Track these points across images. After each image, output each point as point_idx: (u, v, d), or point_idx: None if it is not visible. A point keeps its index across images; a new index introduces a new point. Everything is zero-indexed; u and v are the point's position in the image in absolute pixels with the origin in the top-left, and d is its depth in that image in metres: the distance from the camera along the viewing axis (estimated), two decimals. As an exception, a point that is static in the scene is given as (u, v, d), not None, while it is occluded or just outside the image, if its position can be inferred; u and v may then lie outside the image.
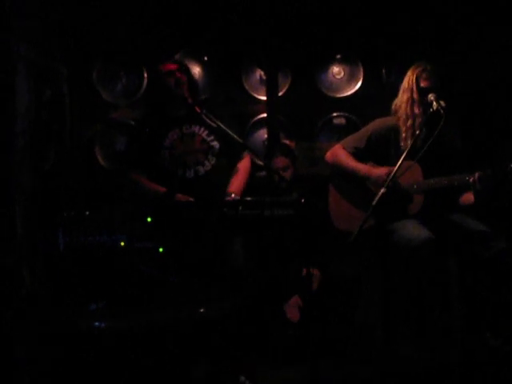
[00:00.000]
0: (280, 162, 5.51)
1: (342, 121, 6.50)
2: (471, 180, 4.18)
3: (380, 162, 4.46)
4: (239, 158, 4.73)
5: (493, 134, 5.75)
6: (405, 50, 6.10)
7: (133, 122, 6.03)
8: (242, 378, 4.10)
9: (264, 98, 6.30)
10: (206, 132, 4.60)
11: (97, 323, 3.56)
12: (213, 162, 4.57)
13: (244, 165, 4.74)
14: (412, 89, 4.44)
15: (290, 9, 6.01)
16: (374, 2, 6.07)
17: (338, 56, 6.54)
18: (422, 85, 4.40)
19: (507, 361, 4.25)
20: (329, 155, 4.66)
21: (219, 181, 4.58)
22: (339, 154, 4.59)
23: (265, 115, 6.31)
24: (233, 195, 4.44)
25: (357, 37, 6.29)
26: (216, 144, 4.60)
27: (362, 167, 4.48)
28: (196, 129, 4.60)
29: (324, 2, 6.06)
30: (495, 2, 5.71)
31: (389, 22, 6.13)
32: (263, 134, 6.38)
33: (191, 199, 4.30)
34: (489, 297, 4.30)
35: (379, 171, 4.34)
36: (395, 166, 3.95)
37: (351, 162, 4.52)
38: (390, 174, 4.01)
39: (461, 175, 4.24)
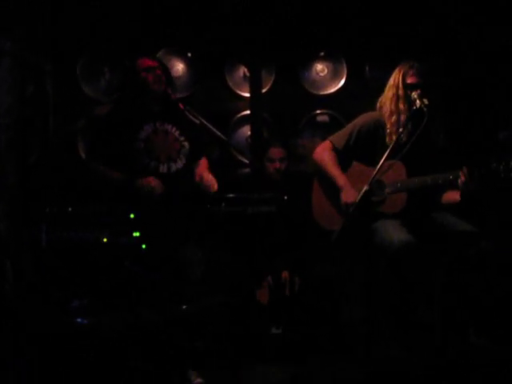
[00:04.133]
0: (277, 152, 5.46)
1: (326, 118, 6.51)
2: (453, 178, 4.20)
3: (367, 158, 4.45)
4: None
5: (481, 131, 5.79)
6: (389, 48, 6.11)
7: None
8: (190, 372, 4.10)
9: (247, 94, 6.28)
10: (177, 132, 4.63)
11: (79, 319, 3.55)
12: (184, 162, 4.60)
13: (204, 160, 4.78)
14: (398, 85, 4.45)
15: (273, 6, 6.00)
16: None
17: (322, 53, 6.55)
18: (408, 81, 4.41)
19: (491, 359, 4.27)
20: (316, 153, 4.64)
21: (188, 181, 4.60)
22: (326, 154, 4.58)
23: (248, 112, 6.30)
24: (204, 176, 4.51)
25: (340, 34, 6.30)
26: (187, 144, 4.63)
27: (339, 179, 4.48)
28: (169, 127, 4.62)
29: (307, -1, 6.08)
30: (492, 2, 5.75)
31: (373, 19, 6.14)
32: (246, 130, 6.38)
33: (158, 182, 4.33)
34: (473, 296, 4.32)
35: (350, 193, 4.35)
36: (380, 161, 3.96)
37: (332, 169, 4.52)
38: (354, 202, 4.03)
39: (444, 174, 4.25)
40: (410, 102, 4.39)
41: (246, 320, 4.80)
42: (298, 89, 6.51)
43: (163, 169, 4.53)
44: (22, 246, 3.54)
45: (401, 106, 4.43)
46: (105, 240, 3.89)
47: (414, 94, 4.30)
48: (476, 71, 5.96)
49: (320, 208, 4.61)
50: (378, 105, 4.58)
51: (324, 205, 4.59)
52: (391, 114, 4.46)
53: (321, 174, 4.62)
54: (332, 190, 4.53)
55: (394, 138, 4.35)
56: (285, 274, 5.01)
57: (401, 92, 4.44)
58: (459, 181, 4.14)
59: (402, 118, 4.41)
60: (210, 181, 4.47)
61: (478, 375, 4.09)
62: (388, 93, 4.52)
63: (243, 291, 4.87)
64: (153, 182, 4.35)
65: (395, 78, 4.49)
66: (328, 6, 6.11)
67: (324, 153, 4.59)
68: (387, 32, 6.15)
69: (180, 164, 4.59)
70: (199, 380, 4.09)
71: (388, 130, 4.45)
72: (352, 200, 4.20)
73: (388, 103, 4.49)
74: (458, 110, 5.59)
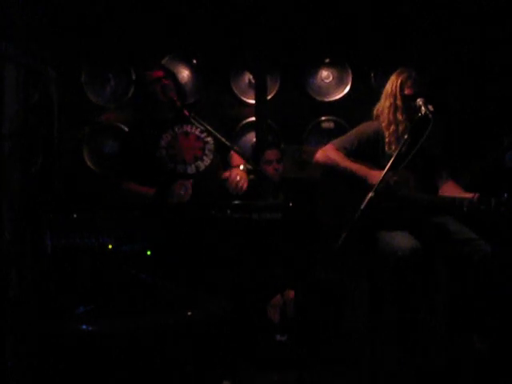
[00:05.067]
0: (274, 154, 5.53)
1: (331, 125, 6.52)
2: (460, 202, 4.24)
3: (369, 165, 4.44)
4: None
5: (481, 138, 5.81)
6: (394, 54, 6.12)
7: (122, 126, 6.07)
8: (226, 382, 4.11)
9: (253, 101, 6.30)
10: (198, 130, 4.63)
11: (84, 326, 3.55)
12: (211, 157, 4.60)
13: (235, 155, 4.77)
14: (395, 95, 4.43)
15: (278, 12, 6.02)
16: (363, 6, 6.09)
17: (327, 60, 6.56)
18: (406, 92, 4.39)
19: (493, 363, 4.27)
20: (320, 155, 4.56)
21: (217, 176, 4.61)
22: (332, 153, 4.50)
23: (253, 119, 6.31)
24: (241, 166, 4.54)
25: (345, 41, 6.31)
26: (210, 140, 4.63)
27: (358, 168, 4.40)
28: (188, 128, 4.63)
29: (312, 6, 6.08)
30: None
31: (378, 26, 6.15)
32: (252, 137, 6.39)
33: (189, 183, 4.33)
34: (475, 300, 4.31)
35: (377, 174, 4.22)
36: (384, 169, 3.95)
37: (346, 162, 4.44)
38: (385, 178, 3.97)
39: (453, 197, 4.28)
40: (408, 112, 4.38)
41: (250, 326, 4.80)
42: (303, 95, 6.52)
43: (191, 170, 4.53)
44: (26, 253, 3.54)
45: (399, 116, 4.41)
46: (110, 246, 3.89)
47: (419, 101, 4.28)
48: (479, 74, 5.98)
49: (332, 209, 4.56)
50: (375, 113, 4.56)
51: (337, 204, 4.54)
52: (389, 123, 4.44)
53: (331, 173, 4.56)
54: (346, 186, 4.48)
55: (394, 147, 4.36)
56: (290, 294, 4.96)
57: (399, 102, 4.41)
58: (466, 207, 4.18)
59: (401, 127, 4.40)
60: (233, 181, 4.44)
61: (481, 379, 4.10)
62: (385, 102, 4.49)
63: (249, 298, 4.87)
64: (183, 184, 4.35)
65: (392, 87, 4.46)
66: (333, 13, 6.12)
67: (330, 152, 4.53)
68: (392, 39, 6.15)
69: (207, 161, 4.59)
70: None
71: (387, 139, 4.43)
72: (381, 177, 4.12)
73: (386, 112, 4.47)
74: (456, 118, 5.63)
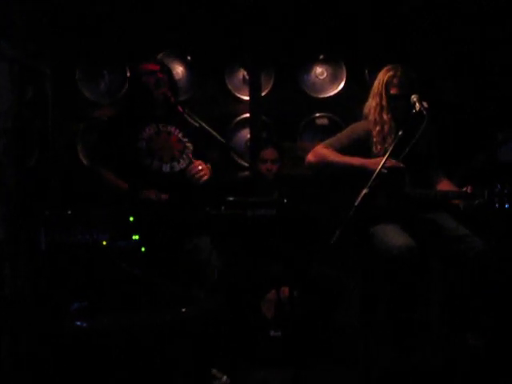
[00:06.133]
0: (270, 153, 5.48)
1: (325, 121, 6.51)
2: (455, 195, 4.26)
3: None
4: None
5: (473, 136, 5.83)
6: (388, 51, 6.12)
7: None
8: (215, 371, 4.11)
9: (247, 97, 6.29)
10: (180, 134, 4.64)
11: (78, 322, 3.55)
12: (187, 162, 4.59)
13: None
14: (381, 94, 4.43)
15: (273, 9, 6.01)
16: (357, 2, 6.09)
17: (321, 56, 6.55)
18: (392, 92, 4.39)
19: (488, 361, 4.27)
20: (312, 155, 4.55)
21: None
22: (325, 152, 4.50)
23: (248, 115, 6.31)
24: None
25: (340, 37, 6.31)
26: (190, 145, 4.64)
27: (354, 159, 4.39)
28: (172, 129, 4.64)
29: (307, 2, 6.08)
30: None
31: (372, 22, 6.15)
32: (246, 134, 6.38)
33: (161, 195, 4.33)
34: (469, 297, 4.31)
35: (376, 160, 4.20)
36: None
37: (341, 158, 4.43)
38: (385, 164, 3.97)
39: (447, 191, 4.30)
40: (393, 112, 4.39)
41: (244, 322, 4.80)
42: (297, 92, 6.52)
43: (166, 168, 4.53)
44: (21, 250, 3.53)
45: (384, 116, 4.41)
46: (104, 243, 3.89)
47: (413, 97, 4.27)
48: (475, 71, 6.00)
49: (326, 207, 4.56)
50: (364, 112, 4.56)
51: (330, 202, 4.54)
52: (375, 123, 4.43)
53: (324, 172, 4.55)
54: (340, 184, 4.48)
55: (380, 147, 4.36)
56: (285, 291, 4.96)
57: (384, 102, 4.41)
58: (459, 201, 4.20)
59: (386, 128, 4.40)
60: (193, 170, 4.48)
61: (475, 376, 4.10)
62: (372, 102, 4.49)
63: (243, 294, 4.87)
64: (154, 196, 4.34)
65: (378, 85, 4.45)
66: (327, 10, 6.12)
67: (322, 151, 4.52)
68: (387, 36, 6.15)
69: (183, 164, 4.59)
70: (226, 379, 4.15)
71: (374, 139, 4.42)
72: (381, 159, 4.08)
73: (372, 112, 4.47)
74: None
